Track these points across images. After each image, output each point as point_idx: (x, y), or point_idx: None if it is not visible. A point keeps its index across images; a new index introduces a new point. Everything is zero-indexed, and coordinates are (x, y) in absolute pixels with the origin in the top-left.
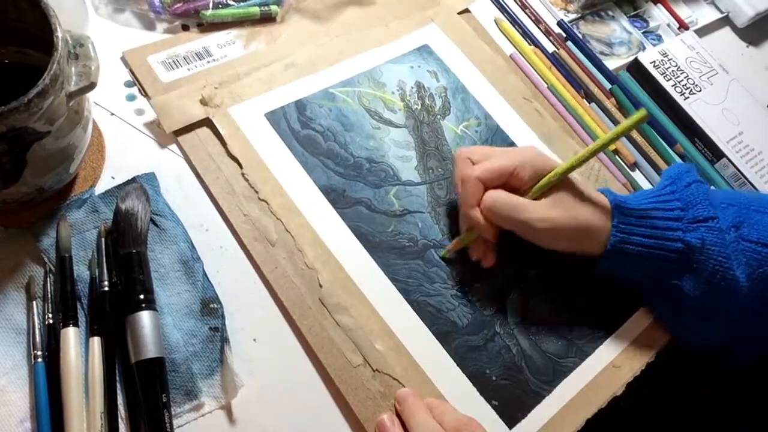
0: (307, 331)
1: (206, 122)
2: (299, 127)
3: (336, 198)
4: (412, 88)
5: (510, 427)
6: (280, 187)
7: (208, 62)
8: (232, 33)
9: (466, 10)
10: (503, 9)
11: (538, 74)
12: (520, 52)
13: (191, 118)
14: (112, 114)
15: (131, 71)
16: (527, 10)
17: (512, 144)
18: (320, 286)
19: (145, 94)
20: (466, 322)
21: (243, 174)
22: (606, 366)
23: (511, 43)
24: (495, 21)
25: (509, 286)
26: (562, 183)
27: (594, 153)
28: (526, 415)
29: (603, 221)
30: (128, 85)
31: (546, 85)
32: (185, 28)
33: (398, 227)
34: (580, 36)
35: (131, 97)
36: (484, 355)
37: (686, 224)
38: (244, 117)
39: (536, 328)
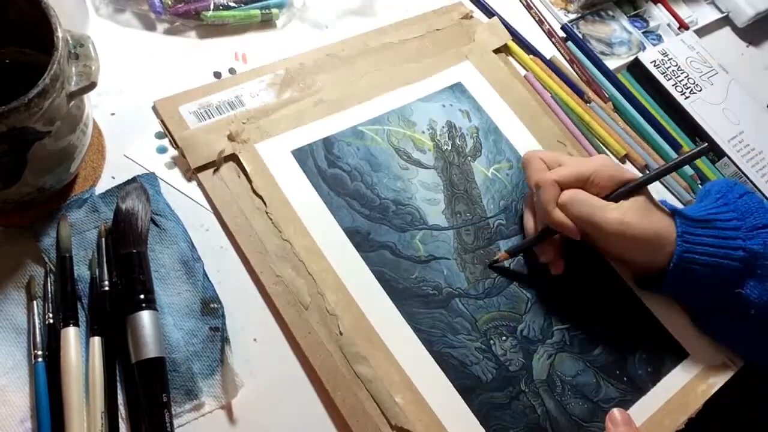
0: (341, 402)
1: (232, 158)
2: (326, 165)
3: (360, 241)
4: (443, 127)
5: None
6: (304, 227)
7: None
8: (265, 81)
9: (502, 49)
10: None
11: (570, 117)
12: (520, 63)
13: (217, 154)
14: (140, 164)
15: (162, 122)
16: (532, 11)
17: None
18: (340, 333)
19: (176, 146)
20: (491, 378)
21: (267, 212)
22: None
23: (514, 58)
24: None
25: (536, 341)
26: (639, 192)
27: (668, 171)
28: None
29: (670, 231)
30: (159, 136)
31: (575, 126)
32: (217, 75)
33: (423, 274)
34: (581, 36)
35: (162, 149)
36: (508, 414)
37: (745, 233)
38: (270, 154)
39: (562, 388)
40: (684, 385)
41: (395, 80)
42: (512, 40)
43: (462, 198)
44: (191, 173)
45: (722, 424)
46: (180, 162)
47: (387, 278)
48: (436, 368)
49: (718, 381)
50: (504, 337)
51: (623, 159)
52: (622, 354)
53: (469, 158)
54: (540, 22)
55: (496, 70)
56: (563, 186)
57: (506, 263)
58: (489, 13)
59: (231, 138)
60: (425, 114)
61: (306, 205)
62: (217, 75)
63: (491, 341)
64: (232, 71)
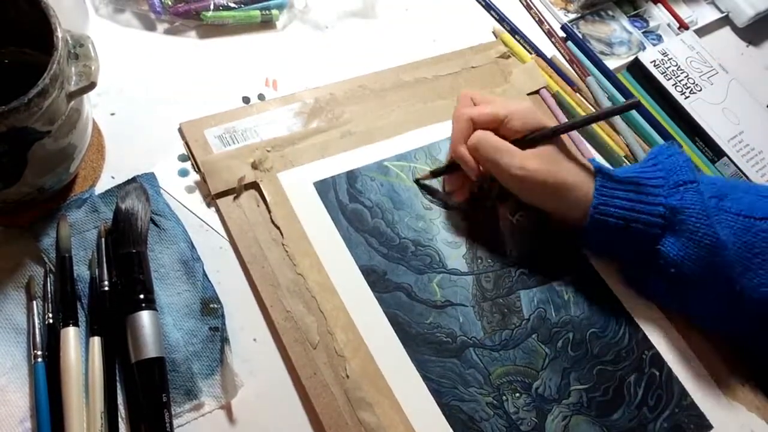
0: None
1: (253, 186)
2: (347, 200)
3: (376, 280)
4: None
5: None
6: (319, 262)
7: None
8: (293, 109)
9: (537, 92)
10: (501, 19)
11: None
12: (521, 61)
13: (238, 181)
14: (164, 190)
15: (186, 144)
16: (532, 11)
17: (571, 239)
18: (347, 376)
19: (198, 170)
20: None
21: (283, 244)
22: None
23: (514, 56)
24: (493, 32)
25: (552, 401)
26: (551, 141)
27: (586, 122)
28: None
29: (584, 182)
30: (182, 159)
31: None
32: (246, 100)
33: (437, 320)
34: (581, 36)
35: (184, 172)
36: None
37: (668, 190)
38: (292, 184)
39: None
40: None
41: (425, 117)
42: (515, 37)
43: (484, 243)
44: (211, 198)
45: None
46: (201, 186)
47: (400, 321)
48: (443, 422)
49: None
50: (517, 394)
51: (623, 159)
52: (643, 421)
53: (495, 202)
54: (540, 22)
55: (552, 120)
56: (477, 124)
57: (427, 183)
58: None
59: (254, 166)
60: None
61: (323, 239)
62: (246, 100)
63: (504, 397)
64: (261, 97)
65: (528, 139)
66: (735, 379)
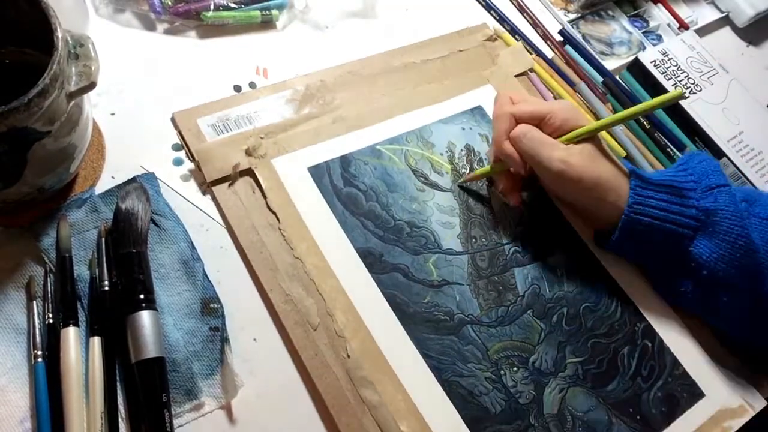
0: (345, 427)
1: (248, 173)
2: (342, 184)
3: (373, 262)
4: (461, 150)
5: None
6: (316, 246)
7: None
8: (284, 96)
9: (524, 73)
10: (502, 20)
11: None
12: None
13: (233, 168)
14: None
15: (180, 133)
16: (525, 14)
17: (561, 216)
18: (347, 356)
19: (193, 159)
20: (499, 410)
21: (280, 229)
22: None
23: (499, 37)
24: (495, 33)
25: (548, 374)
26: (590, 138)
27: (626, 118)
28: None
29: (620, 183)
30: (176, 148)
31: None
32: (237, 89)
33: (435, 299)
34: (580, 36)
35: (178, 162)
36: None
37: (701, 193)
38: (287, 170)
39: (572, 424)
40: (698, 428)
41: (415, 100)
42: (515, 37)
43: (478, 222)
44: (206, 186)
45: None
46: (196, 175)
47: (398, 301)
48: (443, 397)
49: (733, 425)
50: (515, 368)
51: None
52: (637, 391)
53: (487, 183)
54: (534, 25)
55: (517, 95)
56: (519, 120)
57: (470, 185)
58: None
59: (248, 153)
60: (444, 136)
61: (320, 223)
62: (237, 89)
63: (502, 371)
64: (252, 85)
65: (569, 136)
66: (725, 348)
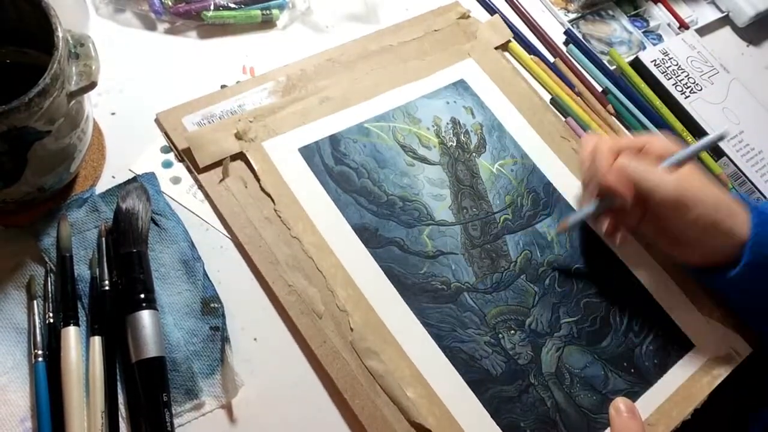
0: (360, 411)
1: (240, 157)
2: (333, 162)
3: (368, 237)
4: (447, 124)
5: None
6: (313, 224)
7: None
8: (267, 89)
9: (504, 45)
10: (508, 24)
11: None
12: (528, 70)
13: (224, 152)
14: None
15: (166, 134)
16: (523, 17)
17: (549, 183)
18: (351, 329)
19: (181, 159)
20: (500, 371)
21: (276, 210)
22: None
23: (515, 58)
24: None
25: (544, 335)
26: (691, 164)
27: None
28: None
29: (738, 209)
30: (165, 150)
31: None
32: (223, 87)
33: (431, 269)
34: (580, 36)
35: (167, 164)
36: (518, 407)
37: None
38: (278, 152)
39: (570, 381)
40: (690, 377)
41: (399, 77)
42: (513, 38)
43: (468, 194)
44: (198, 171)
45: (727, 415)
46: (187, 170)
47: (396, 274)
48: (446, 363)
49: (722, 372)
50: (512, 331)
51: None
52: (630, 346)
53: (474, 154)
54: (533, 27)
55: (498, 66)
56: (618, 152)
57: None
58: (492, 10)
59: (238, 136)
60: (429, 111)
61: (314, 202)
62: (223, 87)
63: (500, 335)
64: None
65: (669, 162)
66: (712, 300)
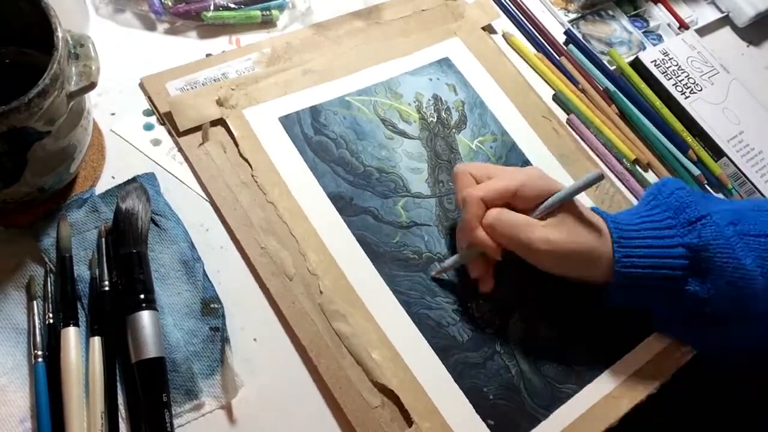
0: (325, 370)
1: (220, 122)
2: (312, 132)
3: (343, 206)
4: (429, 100)
5: None
6: (288, 191)
7: None
8: (251, 59)
9: (491, 26)
10: (518, 23)
11: (580, 116)
12: (531, 65)
13: (205, 118)
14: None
15: (149, 98)
16: (526, 15)
17: (527, 161)
18: (320, 292)
19: (163, 122)
20: (466, 338)
21: (253, 176)
22: (604, 396)
23: (519, 54)
24: (503, 35)
25: (513, 305)
26: (565, 205)
27: (583, 188)
28: None
29: (604, 242)
30: (147, 114)
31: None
32: (208, 56)
33: (404, 239)
34: (580, 36)
35: (149, 126)
36: (482, 373)
37: (680, 230)
38: (258, 120)
39: (537, 351)
40: (661, 351)
41: (383, 53)
42: (520, 33)
43: (445, 168)
44: (178, 135)
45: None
46: (168, 133)
47: (368, 241)
48: (413, 328)
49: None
50: (481, 300)
51: (633, 163)
52: (598, 317)
53: (454, 130)
54: (535, 26)
55: (484, 46)
56: (489, 202)
57: (445, 276)
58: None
59: (219, 103)
60: (412, 87)
61: (291, 169)
62: (209, 56)
63: (468, 304)
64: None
65: (540, 210)
66: None
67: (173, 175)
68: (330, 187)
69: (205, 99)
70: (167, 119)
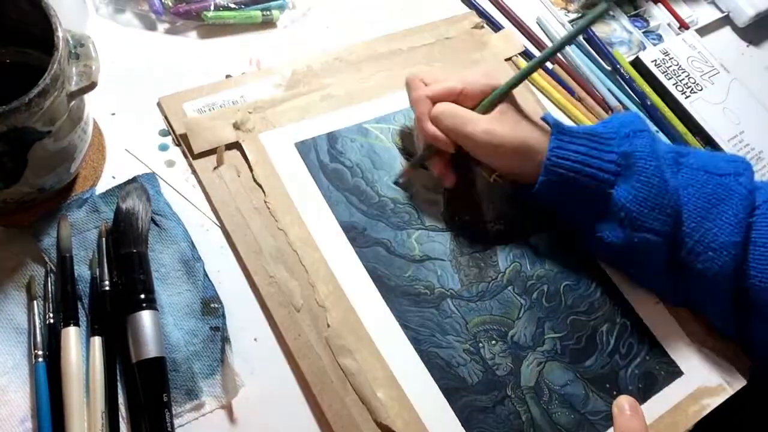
0: (327, 408)
1: (235, 146)
2: (328, 160)
3: (355, 236)
4: None
5: None
6: (301, 219)
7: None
8: (271, 82)
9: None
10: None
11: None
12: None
13: (221, 141)
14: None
15: (166, 118)
16: (522, 29)
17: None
18: (328, 325)
19: (178, 143)
20: (476, 380)
21: (265, 201)
22: None
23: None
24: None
25: (527, 348)
26: (508, 101)
27: (536, 65)
28: None
29: (542, 141)
30: (163, 134)
31: None
32: (227, 77)
33: (416, 273)
34: (580, 36)
35: (164, 147)
36: (492, 418)
37: (620, 140)
38: (274, 144)
39: (549, 397)
40: (676, 405)
41: (404, 80)
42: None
43: (462, 201)
44: (194, 157)
45: None
46: (182, 155)
47: (379, 274)
48: (421, 367)
49: (711, 402)
50: (494, 341)
51: None
52: (614, 368)
53: (472, 163)
54: (529, 36)
55: (506, 78)
56: (436, 101)
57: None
58: (494, 25)
59: (236, 126)
60: None
61: (304, 197)
62: (229, 77)
63: (480, 344)
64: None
65: (483, 104)
66: (703, 327)
67: (184, 197)
68: (343, 216)
69: (221, 121)
70: (182, 141)
